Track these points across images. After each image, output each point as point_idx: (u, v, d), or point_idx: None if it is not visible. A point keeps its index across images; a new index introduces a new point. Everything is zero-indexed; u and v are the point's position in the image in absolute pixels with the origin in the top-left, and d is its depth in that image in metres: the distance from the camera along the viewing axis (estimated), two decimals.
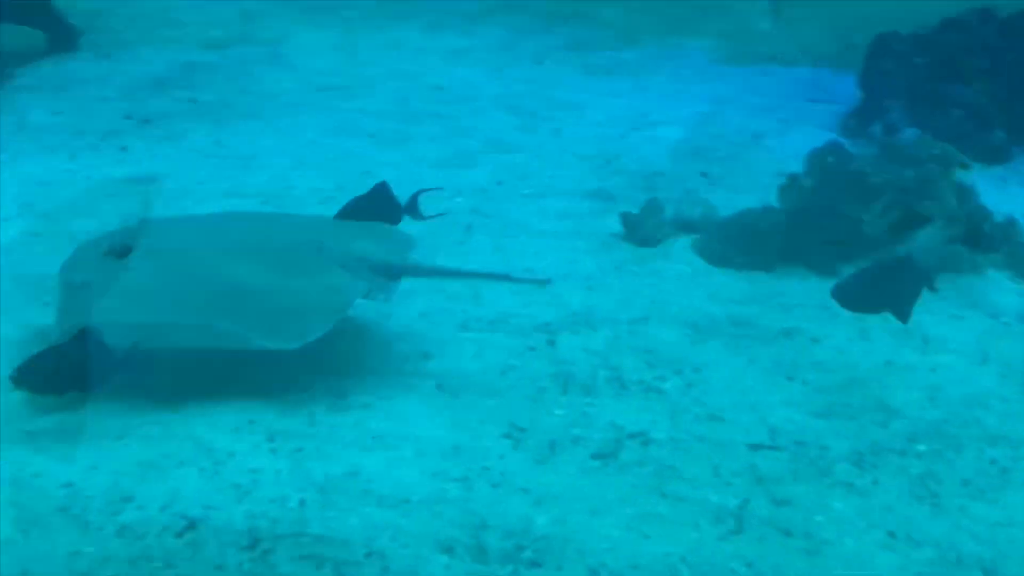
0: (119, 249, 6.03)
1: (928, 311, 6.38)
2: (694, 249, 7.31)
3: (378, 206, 6.71)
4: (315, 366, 5.87)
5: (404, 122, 9.52)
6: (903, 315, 5.89)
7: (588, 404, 5.67)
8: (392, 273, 6.15)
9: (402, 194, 6.63)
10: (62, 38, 11.14)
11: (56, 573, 4.47)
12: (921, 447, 5.44)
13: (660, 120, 9.65)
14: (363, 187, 7.21)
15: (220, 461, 5.14)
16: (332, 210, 7.49)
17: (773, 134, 9.33)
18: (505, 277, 6.85)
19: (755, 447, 5.38)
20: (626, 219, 7.48)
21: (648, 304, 6.62)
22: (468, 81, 10.62)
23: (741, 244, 7.11)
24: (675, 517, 4.89)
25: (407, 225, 6.56)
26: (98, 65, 10.70)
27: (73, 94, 9.97)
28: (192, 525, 4.74)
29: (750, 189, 8.07)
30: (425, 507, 4.91)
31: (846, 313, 6.42)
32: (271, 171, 8.39)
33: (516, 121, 9.61)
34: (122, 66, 10.67)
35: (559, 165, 8.68)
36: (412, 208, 6.76)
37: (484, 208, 7.89)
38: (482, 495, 5.01)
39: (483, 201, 8.00)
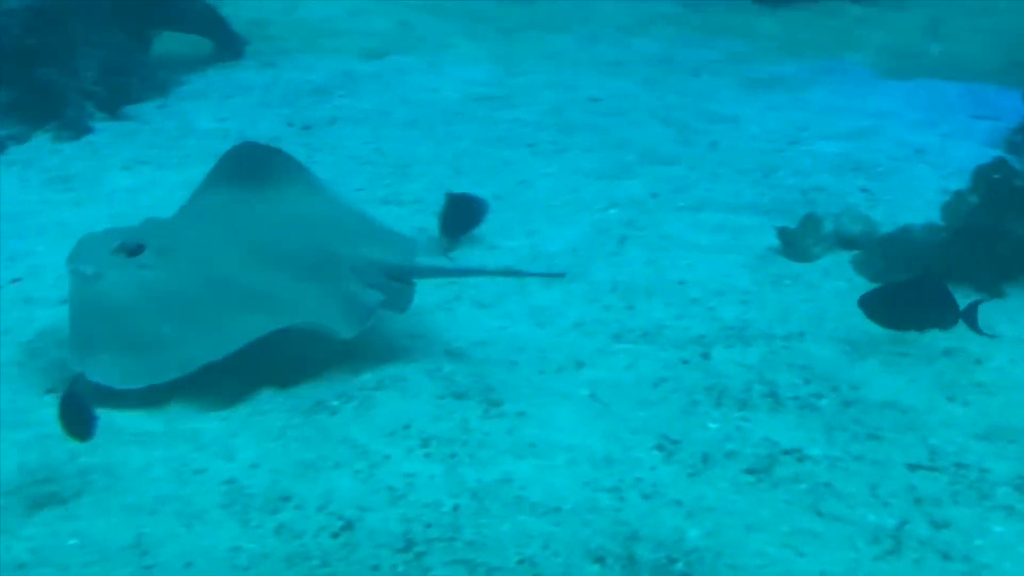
0: (131, 247, 6.10)
1: None
2: (853, 266, 7.20)
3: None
4: (469, 373, 5.93)
5: (560, 133, 9.55)
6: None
7: (742, 419, 5.62)
8: (404, 276, 6.25)
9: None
10: (228, 47, 11.41)
11: (217, 567, 4.58)
12: None
13: (819, 134, 9.52)
14: (519, 196, 7.32)
15: (375, 464, 5.21)
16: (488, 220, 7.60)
17: (935, 150, 9.14)
18: (517, 273, 6.86)
19: (913, 467, 5.29)
20: (783, 234, 7.40)
21: (804, 320, 6.54)
22: (624, 93, 10.60)
23: (902, 261, 6.97)
24: (831, 535, 4.83)
25: None
26: (261, 73, 10.93)
27: (237, 101, 10.20)
28: (348, 526, 4.81)
29: (912, 205, 7.92)
30: (576, 516, 4.92)
31: (1010, 333, 6.29)
32: (428, 179, 8.48)
33: (672, 133, 9.57)
34: (284, 74, 10.88)
35: (715, 178, 8.63)
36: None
37: (639, 220, 7.87)
38: (634, 506, 5.00)
39: (638, 213, 7.98)
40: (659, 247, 7.48)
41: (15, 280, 6.98)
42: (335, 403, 5.65)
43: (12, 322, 6.50)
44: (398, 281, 6.23)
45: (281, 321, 5.80)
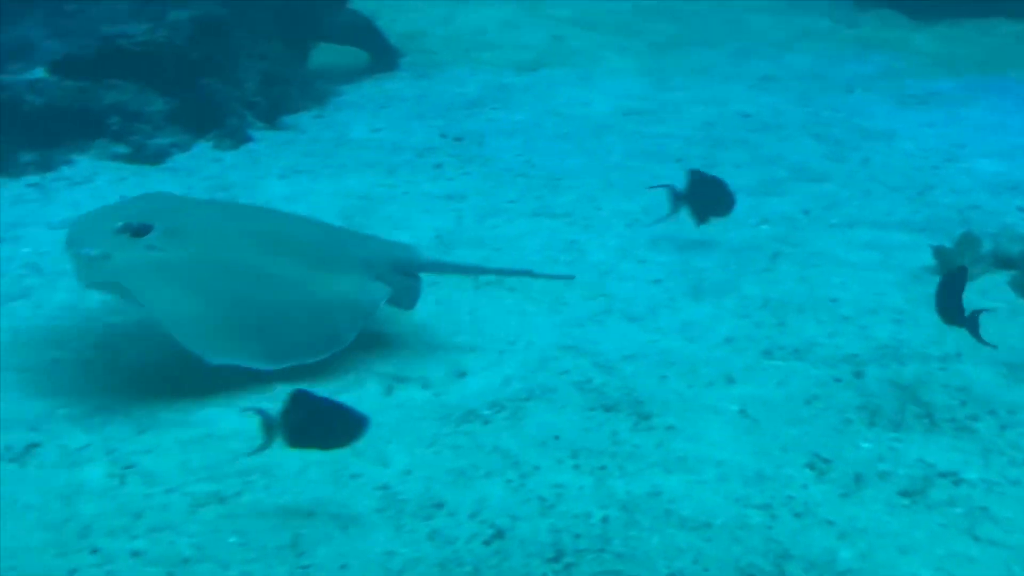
0: (136, 227, 6.03)
1: None
2: (1012, 286, 7.07)
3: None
4: (619, 386, 5.95)
5: (710, 148, 9.54)
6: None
7: (896, 439, 5.56)
8: (411, 271, 6.33)
9: None
10: (384, 58, 11.61)
11: (372, 570, 4.67)
12: None
13: (977, 152, 9.36)
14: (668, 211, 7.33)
15: (525, 474, 5.26)
16: (639, 233, 7.62)
17: None
18: (527, 273, 6.82)
19: None
20: (939, 253, 7.29)
21: (961, 341, 6.42)
22: (775, 108, 10.55)
23: None
24: (987, 561, 4.75)
25: None
26: (416, 85, 11.10)
27: (392, 112, 10.37)
28: (499, 534, 4.87)
29: None
30: (727, 532, 4.91)
31: None
32: (578, 192, 8.53)
33: (824, 149, 9.50)
34: (438, 86, 11.04)
35: (868, 195, 8.54)
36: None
37: (790, 237, 7.83)
38: (785, 524, 4.97)
39: (789, 230, 7.93)
40: (811, 264, 7.43)
41: None
42: (486, 412, 5.72)
43: None
44: (405, 276, 6.32)
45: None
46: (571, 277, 6.96)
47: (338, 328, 6.06)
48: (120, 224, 6.08)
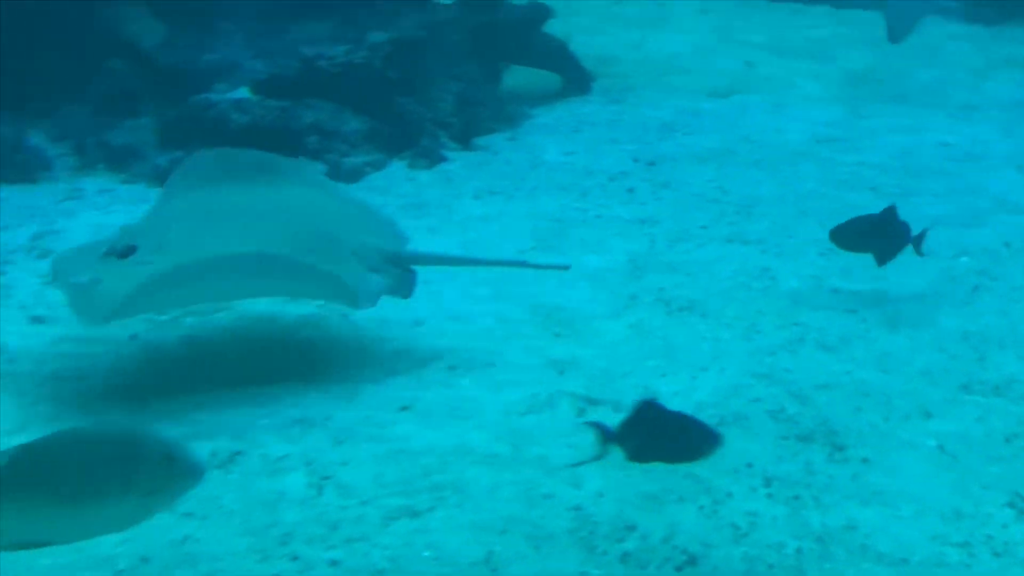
0: (121, 250, 5.99)
1: None
2: None
3: (883, 227, 6.90)
4: (813, 415, 5.88)
5: (906, 177, 9.37)
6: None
7: None
8: (403, 263, 6.31)
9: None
10: (576, 82, 11.67)
11: None
12: None
13: None
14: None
15: (719, 501, 5.23)
16: (833, 262, 7.52)
17: None
18: (521, 264, 6.74)
19: None
20: None
21: None
22: (976, 138, 10.31)
23: None
24: None
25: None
26: (608, 109, 11.13)
27: (584, 136, 10.41)
28: (692, 560, 4.84)
29: None
30: (924, 570, 4.82)
31: None
32: (772, 219, 8.46)
33: None
34: (630, 110, 11.05)
35: None
36: (918, 241, 6.99)
37: (991, 270, 7.64)
38: (984, 563, 4.86)
39: (991, 263, 7.75)
40: (1014, 299, 7.24)
41: None
42: None
43: (368, 339, 6.82)
44: (398, 268, 6.31)
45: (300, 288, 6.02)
46: (566, 267, 6.92)
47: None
48: (104, 249, 6.06)
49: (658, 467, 5.43)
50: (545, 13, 11.61)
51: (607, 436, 4.85)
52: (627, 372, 6.39)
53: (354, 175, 9.34)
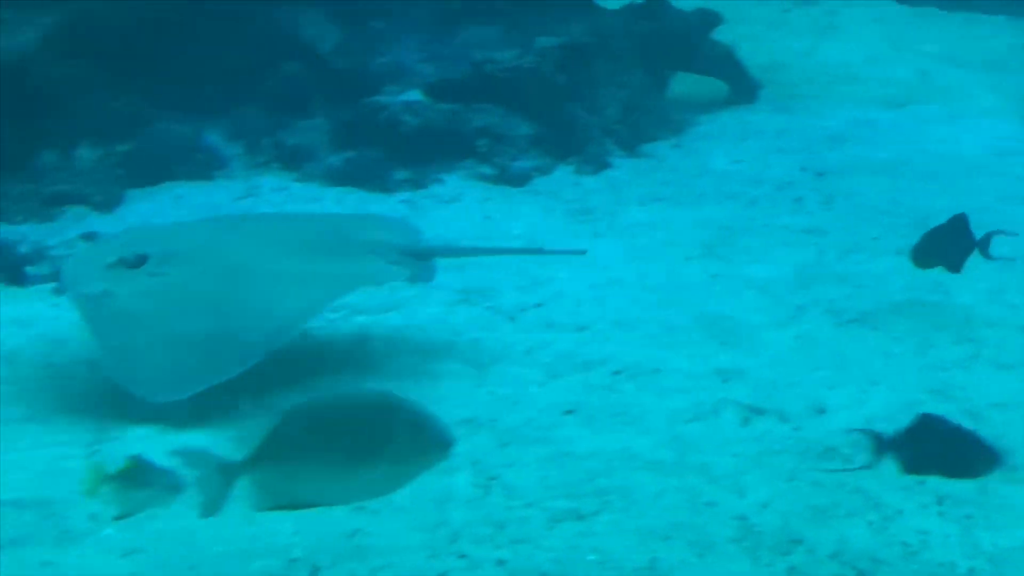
0: (132, 260, 5.90)
1: None
2: None
3: (953, 237, 6.68)
4: (987, 435, 5.74)
5: None
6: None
7: None
8: (421, 256, 6.28)
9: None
10: (743, 90, 11.57)
11: None
12: None
13: None
14: None
15: (888, 517, 5.14)
16: (1009, 276, 7.34)
17: None
18: (538, 251, 6.74)
19: None
20: None
21: None
22: None
23: None
24: None
25: None
26: (775, 117, 11.01)
27: (751, 144, 10.32)
28: None
29: None
30: None
31: None
32: None
33: None
34: (799, 119, 10.91)
35: None
36: (984, 245, 6.68)
37: None
38: None
39: None
40: None
41: (537, 304, 7.34)
42: (848, 451, 5.62)
43: (533, 343, 6.85)
44: (416, 258, 6.31)
45: (332, 292, 5.92)
46: (582, 252, 6.95)
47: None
48: (114, 259, 5.97)
49: (825, 479, 5.39)
50: (714, 20, 11.55)
51: (881, 445, 4.80)
52: (793, 383, 6.32)
53: (522, 179, 9.40)
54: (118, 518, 4.81)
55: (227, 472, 4.22)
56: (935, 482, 5.35)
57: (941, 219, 8.40)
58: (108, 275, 5.86)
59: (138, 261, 5.93)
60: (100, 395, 5.97)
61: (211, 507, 4.31)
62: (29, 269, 7.58)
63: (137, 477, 4.64)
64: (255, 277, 6.01)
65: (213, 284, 5.92)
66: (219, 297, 5.88)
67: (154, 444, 5.62)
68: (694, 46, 11.52)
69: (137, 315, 5.73)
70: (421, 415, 4.25)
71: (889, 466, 4.82)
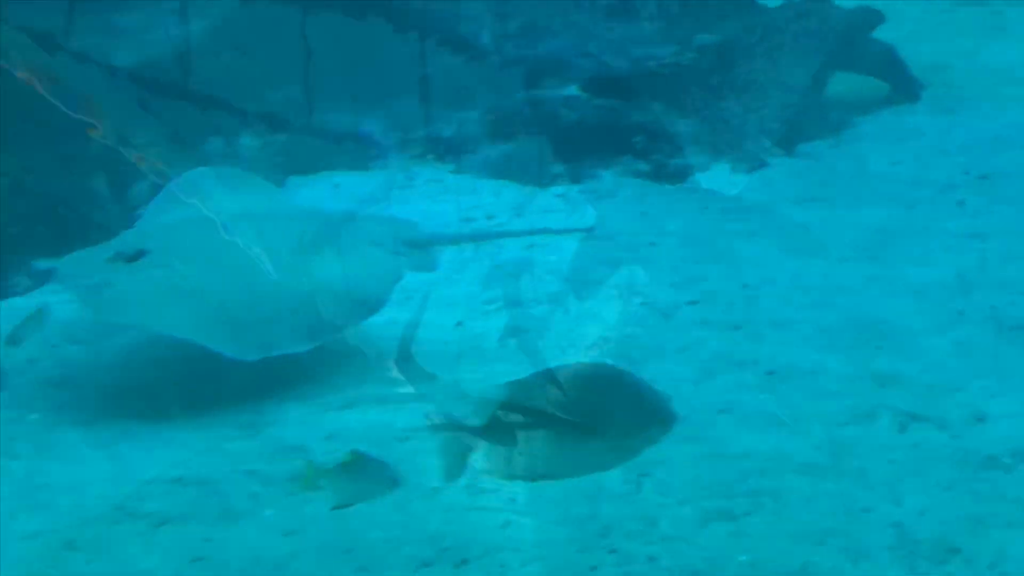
0: (130, 255, 5.90)
1: None
2: None
3: None
4: None
5: None
6: None
7: None
8: (420, 244, 6.35)
9: None
10: (904, 90, 11.34)
11: None
12: None
13: None
14: None
15: None
16: None
17: None
18: (543, 231, 6.81)
19: None
20: None
21: None
22: None
23: None
24: None
25: None
26: (938, 119, 10.77)
27: (911, 145, 10.11)
28: None
29: None
30: None
31: None
32: None
33: None
34: (962, 121, 10.66)
35: None
36: None
37: None
38: None
39: None
40: None
41: (692, 302, 7.31)
42: (1008, 461, 5.50)
43: (688, 340, 6.82)
44: (416, 248, 6.36)
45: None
46: (590, 229, 7.04)
47: (370, 293, 6.07)
48: (109, 255, 6.06)
49: (986, 490, 5.29)
50: (876, 19, 11.34)
51: None
52: (953, 389, 6.20)
53: (678, 176, 9.36)
54: (336, 508, 4.98)
55: (466, 440, 4.31)
56: None
57: None
58: (106, 269, 5.98)
59: (136, 256, 6.05)
60: (249, 380, 6.12)
61: (452, 473, 4.40)
62: None
63: (356, 470, 4.81)
64: (259, 272, 6.10)
65: (201, 278, 6.02)
66: (205, 290, 5.98)
67: (312, 429, 5.78)
68: (855, 45, 11.35)
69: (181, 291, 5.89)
70: (644, 388, 4.25)
71: None
